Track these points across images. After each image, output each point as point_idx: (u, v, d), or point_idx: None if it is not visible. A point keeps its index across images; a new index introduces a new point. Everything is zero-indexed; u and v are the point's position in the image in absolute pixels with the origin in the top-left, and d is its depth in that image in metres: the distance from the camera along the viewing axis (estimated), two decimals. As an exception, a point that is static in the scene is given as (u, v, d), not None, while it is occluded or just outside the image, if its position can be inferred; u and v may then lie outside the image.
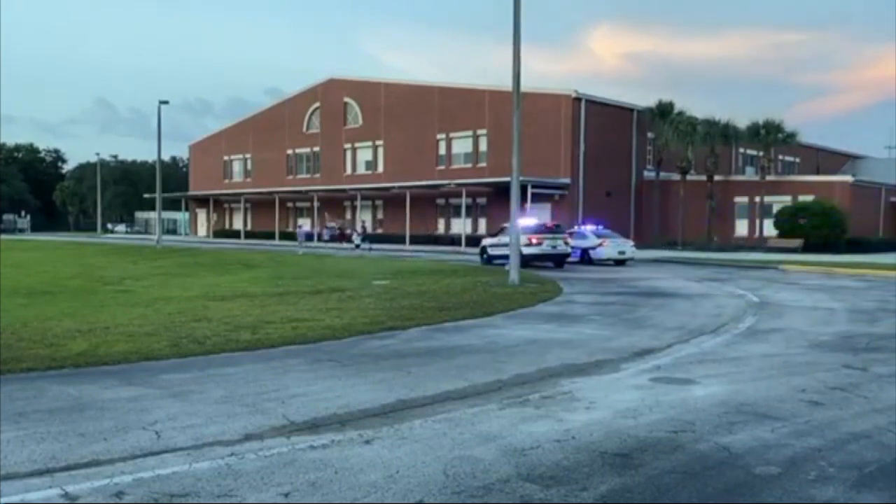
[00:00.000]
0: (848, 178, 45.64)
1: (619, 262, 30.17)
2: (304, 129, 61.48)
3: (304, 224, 54.80)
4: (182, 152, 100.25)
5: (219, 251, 38.81)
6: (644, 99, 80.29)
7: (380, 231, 54.04)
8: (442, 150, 51.82)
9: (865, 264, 28.34)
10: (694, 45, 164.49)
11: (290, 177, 62.42)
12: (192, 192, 71.11)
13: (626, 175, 47.89)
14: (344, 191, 54.84)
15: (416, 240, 49.31)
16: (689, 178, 45.82)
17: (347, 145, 58.13)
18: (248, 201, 65.05)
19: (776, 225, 41.84)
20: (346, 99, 58.17)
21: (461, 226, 47.61)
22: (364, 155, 57.34)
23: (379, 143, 55.90)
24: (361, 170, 57.38)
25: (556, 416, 6.45)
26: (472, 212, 49.29)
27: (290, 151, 62.80)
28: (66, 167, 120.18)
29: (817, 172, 56.63)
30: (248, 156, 67.13)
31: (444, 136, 51.50)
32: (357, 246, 42.19)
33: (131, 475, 4.88)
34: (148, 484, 4.73)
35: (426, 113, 52.22)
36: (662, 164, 46.76)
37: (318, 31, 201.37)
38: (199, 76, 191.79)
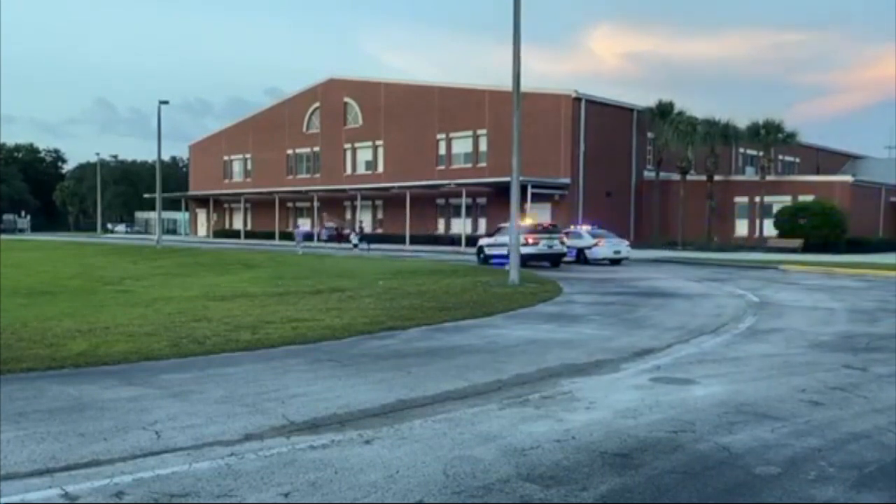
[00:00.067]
0: (848, 178, 45.64)
1: (615, 262, 30.31)
2: (304, 129, 61.48)
3: (303, 224, 54.81)
4: (182, 152, 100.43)
5: (219, 251, 38.79)
6: (644, 99, 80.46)
7: (380, 231, 54.07)
8: (442, 150, 51.83)
9: (865, 264, 28.34)
10: (694, 45, 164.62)
11: (290, 177, 62.43)
12: (192, 192, 71.13)
13: (626, 175, 47.89)
14: (344, 191, 54.85)
15: (416, 240, 49.32)
16: (689, 178, 45.82)
17: (347, 145, 58.13)
18: (248, 201, 65.06)
19: (776, 225, 41.84)
20: (346, 99, 58.17)
21: (461, 226, 47.62)
22: (364, 155, 57.35)
23: (379, 143, 55.90)
24: (361, 170, 57.39)
25: (556, 416, 6.45)
26: (472, 212, 49.29)
27: (290, 151, 62.80)
28: (66, 167, 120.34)
29: (817, 172, 56.63)
30: (248, 156, 67.14)
31: (444, 136, 51.51)
32: (355, 246, 42.18)
33: (131, 475, 4.88)
34: (148, 484, 4.73)
35: (426, 113, 52.22)
36: (662, 164, 46.76)
37: (318, 31, 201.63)
38: (199, 76, 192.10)
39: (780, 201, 43.16)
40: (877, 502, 4.57)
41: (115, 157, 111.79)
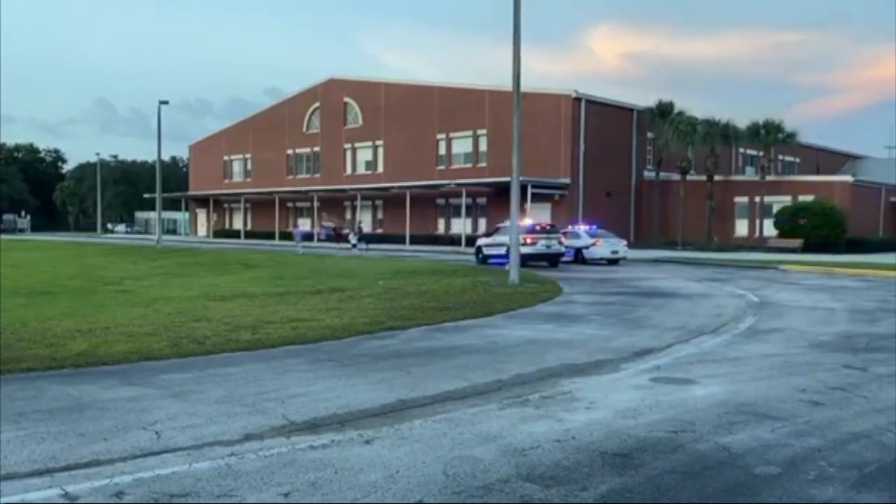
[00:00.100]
0: (848, 178, 45.64)
1: (612, 262, 30.41)
2: (304, 129, 61.49)
3: (302, 224, 54.79)
4: (182, 152, 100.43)
5: (219, 251, 38.79)
6: (644, 99, 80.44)
7: (380, 231, 54.08)
8: (442, 150, 51.83)
9: (865, 264, 28.34)
10: (694, 45, 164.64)
11: (290, 177, 62.44)
12: (192, 192, 71.13)
13: (626, 175, 47.90)
14: (344, 191, 54.85)
15: (416, 240, 49.32)
16: (689, 178, 45.82)
17: (347, 145, 58.13)
18: (248, 201, 65.06)
19: (776, 225, 41.85)
20: (346, 99, 58.18)
21: (461, 226, 47.62)
22: (364, 155, 57.35)
23: (379, 143, 55.91)
24: (361, 170, 57.40)
25: (556, 416, 6.45)
26: (472, 212, 49.29)
27: (290, 151, 62.81)
28: (66, 167, 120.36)
29: (817, 172, 56.63)
30: (248, 156, 67.14)
31: (444, 136, 51.51)
32: (354, 246, 42.15)
33: (131, 475, 4.88)
34: (148, 484, 4.73)
35: (426, 113, 52.23)
36: (662, 164, 46.77)
37: (318, 31, 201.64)
38: (199, 76, 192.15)
39: (780, 201, 43.17)
40: (877, 502, 4.57)
41: (115, 157, 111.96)
